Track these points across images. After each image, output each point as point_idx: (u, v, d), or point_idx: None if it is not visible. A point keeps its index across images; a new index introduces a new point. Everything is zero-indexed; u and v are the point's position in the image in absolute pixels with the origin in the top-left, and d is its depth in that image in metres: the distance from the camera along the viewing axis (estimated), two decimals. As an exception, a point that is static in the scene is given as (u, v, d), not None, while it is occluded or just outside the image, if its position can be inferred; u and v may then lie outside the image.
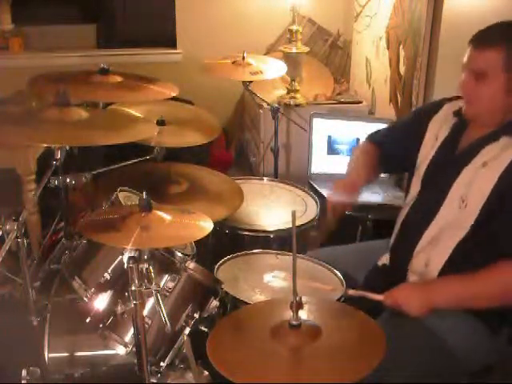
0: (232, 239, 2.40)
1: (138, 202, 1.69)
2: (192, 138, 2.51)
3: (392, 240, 2.03)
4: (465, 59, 1.79)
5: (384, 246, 2.07)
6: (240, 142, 4.06)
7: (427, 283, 1.84)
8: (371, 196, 2.87)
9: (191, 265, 1.81)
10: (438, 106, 2.04)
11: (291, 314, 1.45)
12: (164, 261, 1.78)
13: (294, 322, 1.44)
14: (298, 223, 2.34)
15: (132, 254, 1.59)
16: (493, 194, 1.73)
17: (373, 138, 2.23)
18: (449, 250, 1.82)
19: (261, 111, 3.41)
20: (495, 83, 1.74)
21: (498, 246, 1.73)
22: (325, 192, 2.95)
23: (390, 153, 2.13)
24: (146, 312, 1.68)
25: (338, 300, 1.86)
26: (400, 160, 2.12)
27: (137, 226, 1.62)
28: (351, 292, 1.88)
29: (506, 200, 1.71)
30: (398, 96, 3.13)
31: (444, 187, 1.84)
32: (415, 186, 1.99)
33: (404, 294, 1.79)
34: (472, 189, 1.77)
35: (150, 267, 1.61)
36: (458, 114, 1.91)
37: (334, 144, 3.18)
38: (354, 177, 2.10)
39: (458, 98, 1.96)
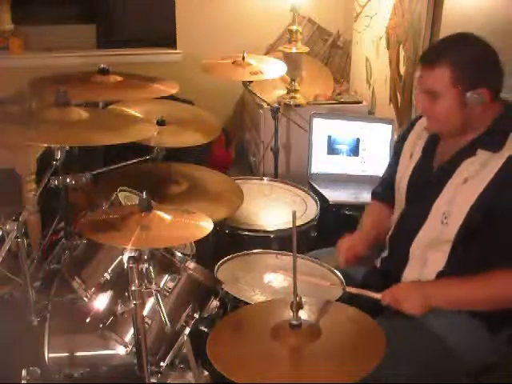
0: (232, 239, 2.40)
1: (137, 202, 1.69)
2: (192, 138, 2.51)
3: (384, 250, 2.03)
4: (417, 78, 1.80)
5: (383, 246, 2.07)
6: (240, 142, 4.06)
7: (425, 282, 1.84)
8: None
9: (191, 265, 1.81)
10: (411, 124, 2.07)
11: (291, 314, 1.45)
12: (164, 261, 1.78)
13: (294, 322, 1.44)
14: (298, 223, 2.33)
15: (132, 254, 1.59)
16: (472, 211, 1.73)
17: (373, 195, 2.24)
18: (439, 267, 1.82)
19: (261, 111, 3.41)
20: (448, 100, 1.73)
21: (491, 261, 1.72)
22: (325, 192, 2.96)
23: (393, 194, 2.10)
24: (146, 312, 1.68)
25: (338, 300, 1.86)
26: None
27: (137, 226, 1.62)
28: (350, 289, 1.88)
29: (493, 215, 1.70)
30: (398, 96, 3.13)
31: (426, 204, 1.85)
32: (399, 203, 2.01)
33: (402, 292, 1.79)
34: (454, 205, 1.77)
35: (150, 267, 1.62)
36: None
37: (334, 144, 3.18)
38: (357, 233, 2.11)
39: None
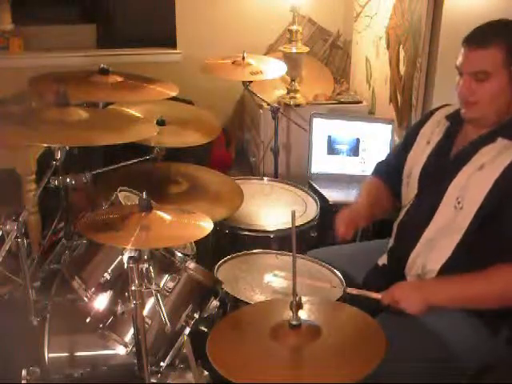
0: (232, 239, 2.40)
1: (137, 202, 1.69)
2: (192, 138, 2.51)
3: (389, 243, 2.03)
4: (460, 62, 1.78)
5: (384, 245, 2.07)
6: (240, 141, 4.06)
7: (425, 281, 1.84)
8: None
9: (191, 265, 1.81)
10: (427, 116, 2.08)
11: (291, 314, 1.45)
12: (164, 261, 1.78)
13: (294, 322, 1.44)
14: (297, 223, 2.34)
15: (132, 254, 1.59)
16: (488, 198, 1.73)
17: (376, 171, 2.25)
18: (446, 254, 1.81)
19: (261, 111, 3.41)
20: (498, 81, 1.74)
21: (497, 250, 1.72)
22: (325, 192, 2.96)
23: (395, 179, 2.11)
24: (146, 312, 1.68)
25: (338, 300, 1.86)
26: None
27: (137, 225, 1.62)
28: (350, 290, 1.88)
29: (504, 205, 1.71)
30: (398, 96, 3.13)
31: (441, 189, 1.84)
32: (410, 190, 2.00)
33: (402, 291, 1.79)
34: (468, 191, 1.77)
35: (150, 267, 1.61)
36: (450, 117, 1.92)
37: (334, 144, 3.18)
38: (358, 206, 2.12)
39: (444, 106, 2.01)
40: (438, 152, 1.94)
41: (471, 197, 1.76)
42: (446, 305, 1.78)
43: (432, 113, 2.06)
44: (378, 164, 2.28)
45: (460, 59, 1.78)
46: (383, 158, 2.32)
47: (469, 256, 1.78)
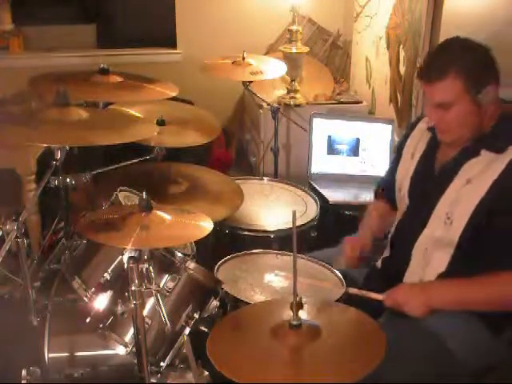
0: (232, 239, 2.40)
1: (137, 202, 1.69)
2: (192, 138, 2.51)
3: (385, 251, 2.03)
4: (424, 95, 1.79)
5: (384, 246, 2.07)
6: (240, 142, 4.06)
7: (427, 283, 1.84)
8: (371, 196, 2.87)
9: (191, 265, 1.81)
10: (413, 124, 2.08)
11: (291, 314, 1.45)
12: (164, 261, 1.78)
13: (294, 322, 1.44)
14: (297, 223, 2.33)
15: (132, 254, 1.59)
16: (477, 211, 1.73)
17: (376, 192, 2.27)
18: (441, 268, 1.82)
19: (261, 111, 3.41)
20: (462, 106, 1.74)
21: (494, 262, 1.72)
22: (325, 192, 2.96)
23: (394, 194, 2.11)
24: (146, 312, 1.68)
25: (338, 300, 1.86)
26: None
27: (137, 226, 1.62)
28: (352, 290, 1.88)
29: (496, 217, 1.71)
30: (398, 96, 3.13)
31: (429, 204, 1.85)
32: (401, 202, 2.01)
33: (404, 293, 1.79)
34: (457, 206, 1.77)
35: (150, 267, 1.61)
36: (432, 129, 1.91)
37: (334, 144, 3.18)
38: (362, 235, 2.12)
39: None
40: (422, 166, 1.95)
41: (460, 211, 1.76)
42: (448, 307, 1.77)
43: (414, 125, 2.06)
44: (378, 182, 2.29)
45: (423, 92, 1.79)
46: (383, 175, 2.32)
47: (464, 268, 1.78)
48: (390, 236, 2.03)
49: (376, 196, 2.27)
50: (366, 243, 2.06)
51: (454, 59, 1.74)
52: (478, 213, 1.73)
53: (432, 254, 1.84)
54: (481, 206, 1.72)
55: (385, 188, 2.19)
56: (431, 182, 1.88)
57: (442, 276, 1.82)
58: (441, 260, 1.82)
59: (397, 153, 2.13)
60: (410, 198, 1.96)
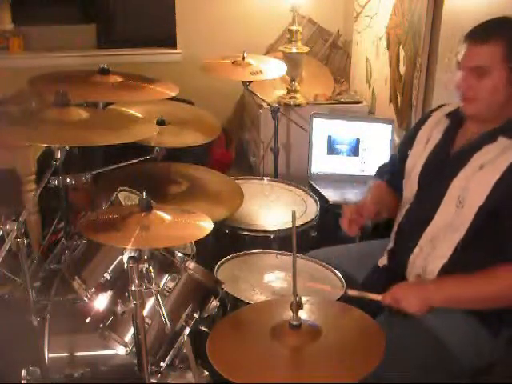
0: (232, 239, 2.40)
1: (137, 202, 1.69)
2: (192, 138, 2.51)
3: (390, 242, 2.03)
4: (461, 57, 1.79)
5: (384, 246, 2.07)
6: (240, 141, 4.06)
7: (425, 282, 1.84)
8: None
9: (191, 265, 1.81)
10: (426, 116, 2.08)
11: (291, 314, 1.45)
12: (164, 261, 1.78)
13: (294, 322, 1.44)
14: (297, 223, 2.34)
15: (132, 254, 1.59)
16: (489, 198, 1.73)
17: (378, 174, 2.25)
18: (447, 254, 1.81)
19: (261, 111, 3.41)
20: (498, 77, 1.74)
21: (499, 251, 1.72)
22: (325, 192, 2.96)
23: (399, 180, 2.10)
24: (146, 312, 1.68)
25: (338, 300, 1.86)
26: None
27: (137, 226, 1.62)
28: (351, 292, 1.88)
29: (504, 205, 1.71)
30: (398, 96, 3.13)
31: (441, 189, 1.84)
32: (410, 189, 1.99)
33: (402, 291, 1.79)
34: (469, 190, 1.77)
35: (150, 267, 1.61)
36: (450, 116, 1.92)
37: (334, 144, 3.18)
38: (363, 201, 2.11)
39: (442, 106, 2.02)
40: (437, 151, 1.94)
41: (472, 196, 1.76)
42: (445, 305, 1.77)
43: (431, 113, 2.07)
44: (380, 167, 2.28)
45: (461, 54, 1.79)
46: (384, 161, 2.32)
47: (469, 256, 1.78)
48: (395, 228, 2.02)
49: (379, 177, 2.24)
50: (368, 207, 2.05)
51: (501, 27, 1.78)
52: (490, 199, 1.72)
53: (439, 240, 1.83)
54: (493, 193, 1.72)
55: (390, 173, 2.18)
56: (444, 167, 1.87)
57: (446, 264, 1.81)
58: (446, 247, 1.81)
59: (407, 140, 2.11)
60: (420, 184, 1.95)
